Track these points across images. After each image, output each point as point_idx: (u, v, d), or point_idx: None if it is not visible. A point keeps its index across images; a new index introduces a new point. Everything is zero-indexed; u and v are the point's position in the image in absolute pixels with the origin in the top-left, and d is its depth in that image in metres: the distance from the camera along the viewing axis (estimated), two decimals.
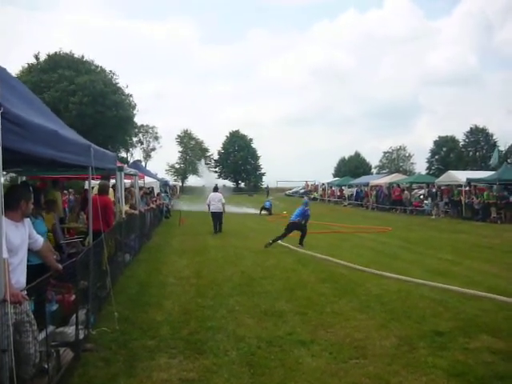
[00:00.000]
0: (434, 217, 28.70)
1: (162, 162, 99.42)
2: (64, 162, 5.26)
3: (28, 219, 4.66)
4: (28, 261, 4.55)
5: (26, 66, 45.44)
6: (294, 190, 65.98)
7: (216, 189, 20.07)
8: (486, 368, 5.24)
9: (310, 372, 5.17)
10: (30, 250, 4.66)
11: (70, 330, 5.50)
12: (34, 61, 45.92)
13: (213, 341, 6.07)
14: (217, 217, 18.76)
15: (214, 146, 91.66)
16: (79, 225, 12.30)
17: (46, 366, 4.47)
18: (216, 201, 18.69)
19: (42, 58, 46.26)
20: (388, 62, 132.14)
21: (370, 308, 7.68)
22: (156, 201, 21.82)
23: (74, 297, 6.03)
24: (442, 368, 5.24)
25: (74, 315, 5.56)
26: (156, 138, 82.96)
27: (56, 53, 45.91)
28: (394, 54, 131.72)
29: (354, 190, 45.06)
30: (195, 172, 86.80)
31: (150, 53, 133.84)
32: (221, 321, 6.92)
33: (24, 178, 10.97)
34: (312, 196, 50.63)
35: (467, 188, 28.20)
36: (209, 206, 18.85)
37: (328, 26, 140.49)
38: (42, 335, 4.52)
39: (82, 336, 5.67)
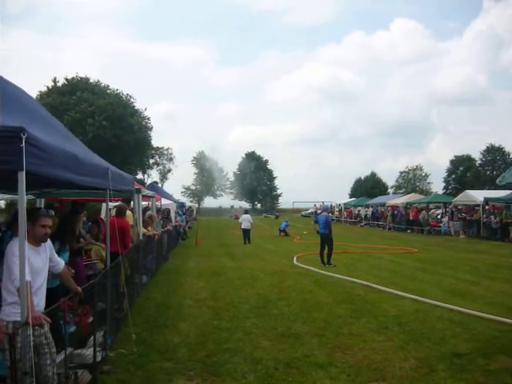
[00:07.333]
0: (453, 236, 28.37)
1: (177, 183, 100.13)
2: (82, 184, 5.32)
3: (50, 243, 4.72)
4: None
5: (46, 89, 46.25)
6: (310, 210, 65.77)
7: (246, 211, 27.41)
8: None
9: None
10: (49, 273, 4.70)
11: (88, 351, 5.52)
12: (51, 84, 46.78)
13: (230, 363, 6.04)
14: (247, 232, 24.63)
15: (228, 167, 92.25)
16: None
17: None
18: (246, 221, 24.79)
19: (60, 81, 47.15)
20: (399, 82, 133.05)
21: (387, 329, 7.60)
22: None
23: (91, 319, 6.06)
24: None
25: (92, 337, 5.59)
26: (171, 159, 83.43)
27: (73, 77, 46.81)
28: (405, 73, 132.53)
29: (370, 210, 44.93)
30: (211, 193, 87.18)
31: (163, 74, 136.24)
32: (238, 343, 6.89)
33: (43, 200, 11.10)
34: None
35: (486, 207, 27.91)
36: (241, 224, 24.88)
37: (336, 47, 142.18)
38: (61, 357, 4.55)
39: (99, 358, 5.69)
